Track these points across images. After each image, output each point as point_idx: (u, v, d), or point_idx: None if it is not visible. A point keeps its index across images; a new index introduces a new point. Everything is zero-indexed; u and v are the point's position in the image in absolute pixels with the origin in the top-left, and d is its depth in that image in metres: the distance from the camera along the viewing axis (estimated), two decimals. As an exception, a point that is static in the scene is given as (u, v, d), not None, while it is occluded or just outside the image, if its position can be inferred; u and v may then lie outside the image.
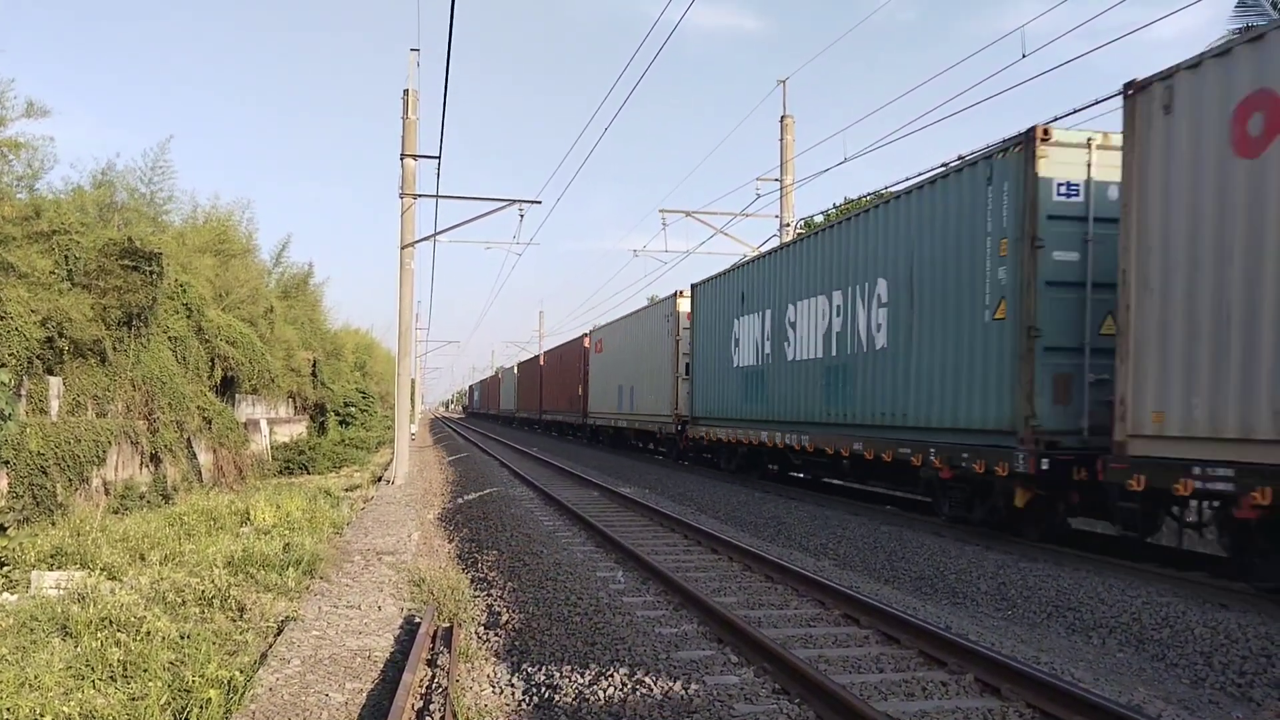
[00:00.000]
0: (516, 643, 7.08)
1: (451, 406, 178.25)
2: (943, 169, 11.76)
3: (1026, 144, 9.96)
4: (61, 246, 16.50)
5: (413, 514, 14.84)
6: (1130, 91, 8.73)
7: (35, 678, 5.91)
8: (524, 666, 6.47)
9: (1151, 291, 8.44)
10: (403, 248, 20.67)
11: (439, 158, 19.73)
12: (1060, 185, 9.88)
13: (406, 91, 20.54)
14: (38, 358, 15.13)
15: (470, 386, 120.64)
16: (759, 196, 22.80)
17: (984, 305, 10.62)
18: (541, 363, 47.30)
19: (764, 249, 20.61)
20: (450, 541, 12.79)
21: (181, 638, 6.78)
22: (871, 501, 15.23)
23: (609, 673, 5.90)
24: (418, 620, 7.53)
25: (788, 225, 22.47)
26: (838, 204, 23.73)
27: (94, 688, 5.92)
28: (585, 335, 35.96)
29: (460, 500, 16.94)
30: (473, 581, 9.67)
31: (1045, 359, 9.79)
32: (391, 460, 22.63)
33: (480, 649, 7.05)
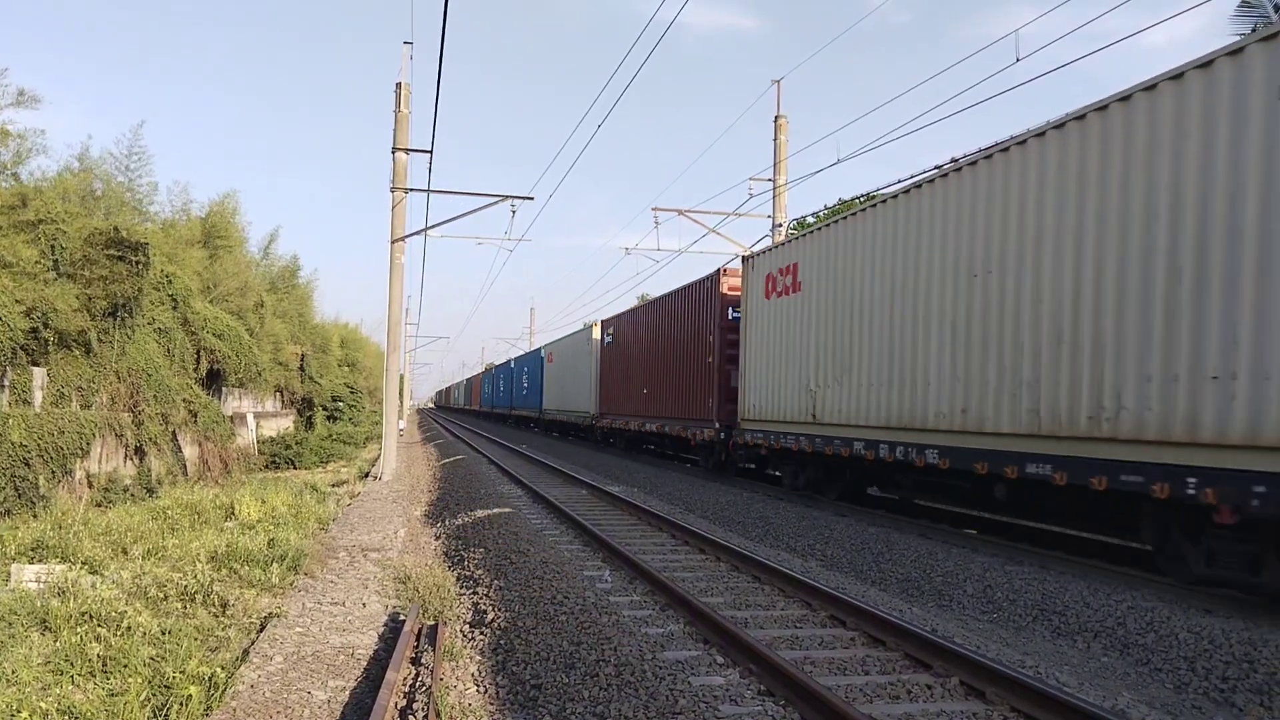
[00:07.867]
0: (502, 641, 7.04)
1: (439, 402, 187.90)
2: None
3: None
4: (48, 236, 16.37)
5: (400, 510, 14.77)
6: None
7: (13, 672, 5.84)
8: (509, 665, 6.43)
9: None
10: (393, 242, 20.58)
11: (431, 152, 19.65)
12: None
13: (399, 85, 20.45)
14: (22, 348, 15.00)
15: (438, 392, 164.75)
16: (751, 196, 22.79)
17: None
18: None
19: (755, 248, 20.49)
20: (437, 539, 12.74)
21: (163, 633, 6.72)
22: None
23: (595, 672, 5.88)
24: (402, 618, 7.49)
25: (779, 225, 22.48)
26: (828, 205, 23.73)
27: (73, 683, 5.87)
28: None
29: (448, 497, 16.88)
30: (459, 579, 9.62)
31: None
32: (379, 456, 22.52)
33: (465, 647, 7.01)
